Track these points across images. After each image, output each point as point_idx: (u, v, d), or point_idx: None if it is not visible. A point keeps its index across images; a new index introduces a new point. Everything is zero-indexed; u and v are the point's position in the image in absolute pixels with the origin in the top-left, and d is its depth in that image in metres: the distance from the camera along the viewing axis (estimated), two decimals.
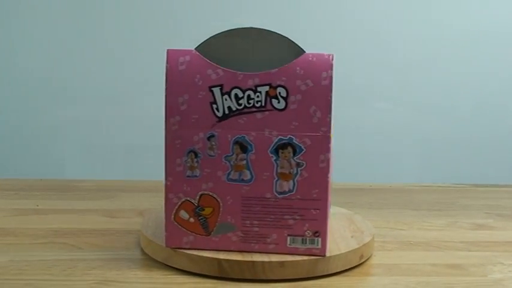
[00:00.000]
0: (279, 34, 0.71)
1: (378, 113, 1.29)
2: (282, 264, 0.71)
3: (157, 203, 0.94)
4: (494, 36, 1.28)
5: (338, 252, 0.73)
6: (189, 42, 1.26)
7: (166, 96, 0.71)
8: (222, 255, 0.71)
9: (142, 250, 0.78)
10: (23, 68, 1.25)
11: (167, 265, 0.73)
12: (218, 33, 0.71)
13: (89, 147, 1.27)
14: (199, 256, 0.71)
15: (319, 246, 0.72)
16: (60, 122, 1.26)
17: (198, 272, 0.71)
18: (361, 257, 0.76)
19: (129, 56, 1.25)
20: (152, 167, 1.26)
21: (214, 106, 0.71)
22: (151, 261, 0.75)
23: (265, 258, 0.71)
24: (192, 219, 0.73)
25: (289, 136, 0.71)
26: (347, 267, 0.74)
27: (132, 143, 1.27)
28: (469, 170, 1.30)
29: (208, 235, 0.73)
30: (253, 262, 0.70)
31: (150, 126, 1.26)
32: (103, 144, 1.27)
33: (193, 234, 0.73)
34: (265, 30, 0.71)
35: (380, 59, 1.28)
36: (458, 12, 1.28)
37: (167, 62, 0.70)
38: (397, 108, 1.27)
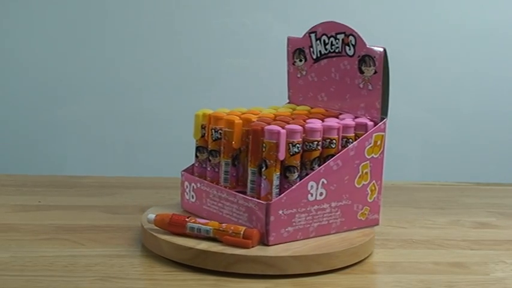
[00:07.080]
0: None
1: None
2: None
3: (158, 199, 0.94)
4: (498, 35, 1.28)
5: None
6: (188, 40, 1.26)
7: None
8: None
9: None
10: (24, 65, 1.25)
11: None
12: None
13: (90, 144, 1.27)
14: None
15: None
16: (62, 118, 1.26)
17: None
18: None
19: (130, 52, 1.25)
20: (154, 163, 1.26)
21: None
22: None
23: None
24: None
25: None
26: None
27: (133, 140, 1.27)
28: (471, 168, 1.29)
29: None
30: None
31: (152, 123, 1.27)
32: (105, 141, 1.27)
33: None
34: None
35: None
36: (462, 11, 1.27)
37: None
38: (399, 106, 1.27)
